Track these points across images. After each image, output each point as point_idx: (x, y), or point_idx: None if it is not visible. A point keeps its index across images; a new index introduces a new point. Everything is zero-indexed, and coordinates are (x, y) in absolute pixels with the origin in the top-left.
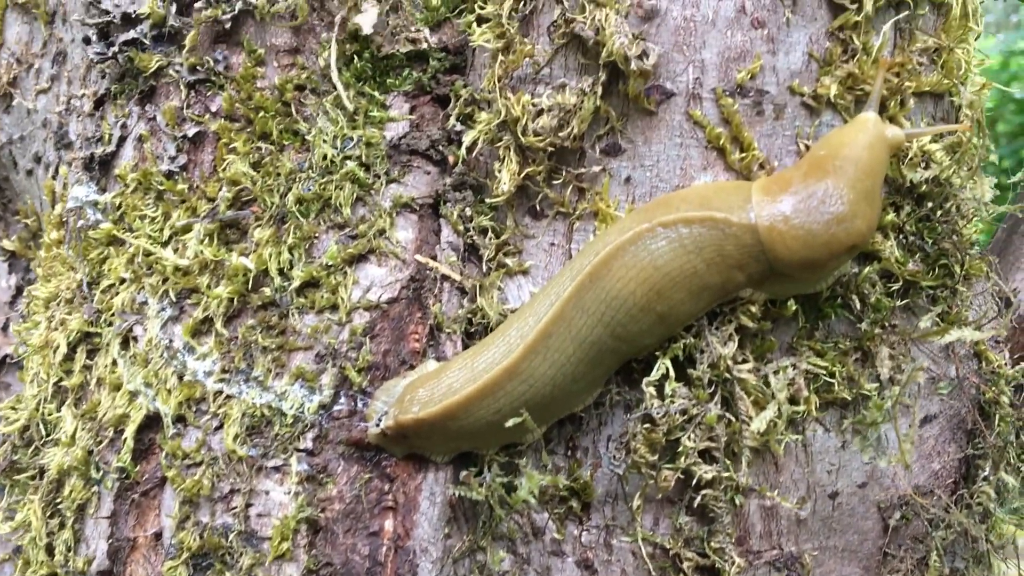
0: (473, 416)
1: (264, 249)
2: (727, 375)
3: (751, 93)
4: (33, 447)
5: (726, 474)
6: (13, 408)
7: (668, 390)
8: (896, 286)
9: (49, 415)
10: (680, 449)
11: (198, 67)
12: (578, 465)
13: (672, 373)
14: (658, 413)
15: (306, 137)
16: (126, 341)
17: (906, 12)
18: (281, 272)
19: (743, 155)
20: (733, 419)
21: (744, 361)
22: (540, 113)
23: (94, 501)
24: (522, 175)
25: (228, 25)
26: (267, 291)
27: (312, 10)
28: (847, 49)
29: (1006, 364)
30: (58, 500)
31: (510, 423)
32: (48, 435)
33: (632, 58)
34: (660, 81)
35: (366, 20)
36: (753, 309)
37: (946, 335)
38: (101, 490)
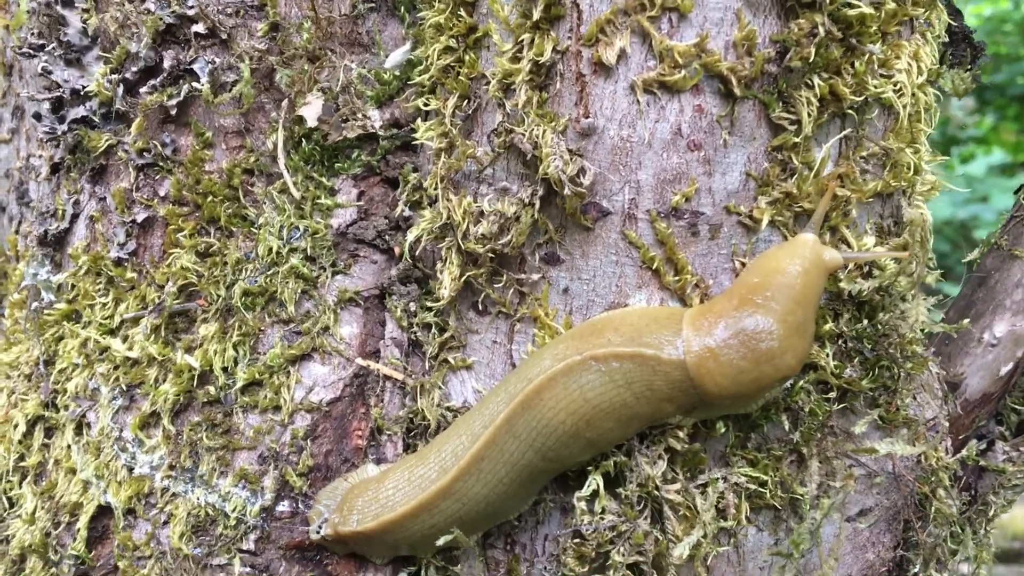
0: (409, 530)
1: (210, 345)
2: (656, 493)
3: (686, 215)
4: None
5: None
6: None
7: (598, 507)
8: (833, 393)
9: (11, 490)
10: (609, 562)
11: (146, 151)
12: (516, 561)
13: (602, 489)
14: (588, 529)
15: (254, 223)
16: (80, 427)
17: (851, 128)
18: (225, 370)
19: (677, 277)
20: (661, 536)
21: (673, 480)
22: (481, 217)
23: None
24: (463, 278)
25: (174, 111)
26: (212, 389)
27: (262, 90)
28: (786, 168)
29: (948, 452)
30: None
31: (441, 541)
32: (10, 508)
33: (566, 182)
34: (597, 199)
35: (310, 112)
36: (681, 434)
37: (879, 450)
38: (59, 573)
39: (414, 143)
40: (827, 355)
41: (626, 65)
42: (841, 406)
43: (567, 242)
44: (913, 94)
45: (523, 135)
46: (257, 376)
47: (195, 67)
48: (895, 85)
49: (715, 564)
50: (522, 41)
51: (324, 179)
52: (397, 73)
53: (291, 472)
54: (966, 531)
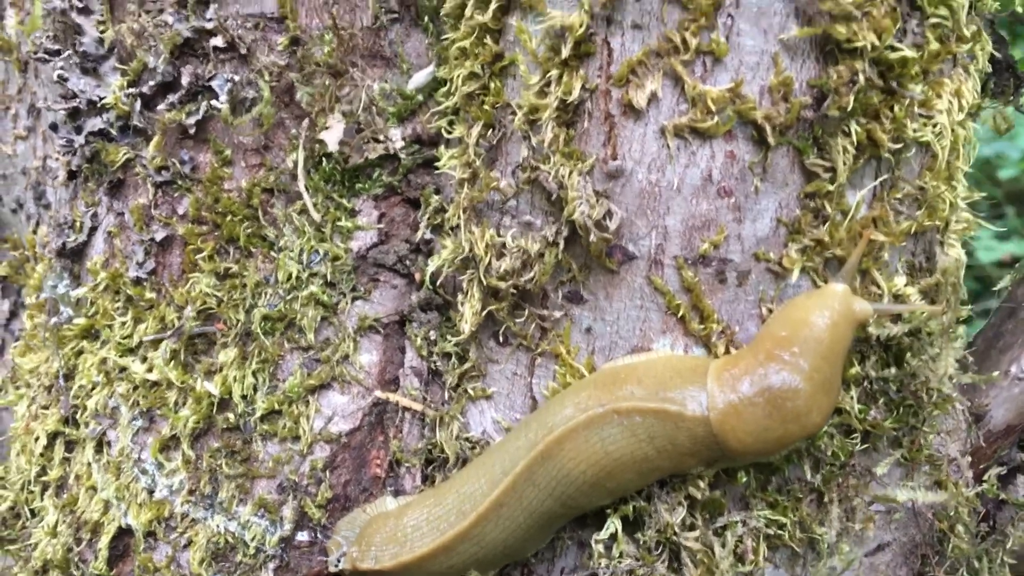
0: (426, 570)
1: (229, 371)
2: (674, 538)
3: (714, 262)
4: (21, 522)
5: None
6: (2, 486)
7: (616, 551)
8: (856, 435)
9: (32, 501)
10: None
11: (164, 169)
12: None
13: (620, 532)
14: (605, 572)
15: (274, 244)
16: (100, 445)
17: (887, 172)
18: (245, 398)
19: (703, 325)
20: None
21: (692, 527)
22: (504, 251)
23: None
24: (484, 312)
25: (193, 130)
26: (231, 416)
27: (282, 106)
28: (819, 215)
29: (968, 485)
30: None
31: None
32: (32, 518)
33: (592, 227)
34: (623, 242)
35: (332, 137)
36: (702, 484)
37: (899, 499)
38: None
39: (437, 160)
40: (852, 398)
41: (657, 108)
42: (864, 447)
43: (591, 282)
44: (952, 130)
45: (548, 173)
46: (276, 406)
47: (214, 84)
48: (935, 126)
49: None
50: (550, 76)
51: (344, 200)
52: (420, 96)
53: (310, 504)
54: (983, 563)
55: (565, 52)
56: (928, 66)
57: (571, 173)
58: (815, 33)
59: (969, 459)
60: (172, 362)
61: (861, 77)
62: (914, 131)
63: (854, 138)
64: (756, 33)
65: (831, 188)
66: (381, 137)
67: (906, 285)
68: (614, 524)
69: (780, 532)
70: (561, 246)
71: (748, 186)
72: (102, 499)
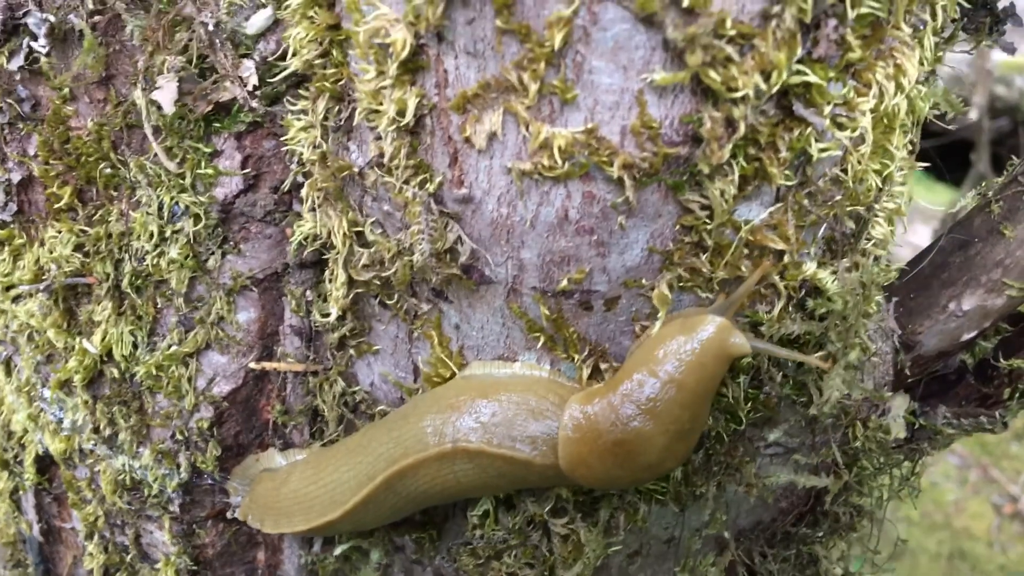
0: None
1: (107, 326)
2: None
3: (576, 294)
4: None
5: None
6: None
7: (488, 530)
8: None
9: None
10: (501, 561)
11: (1, 108)
12: (430, 516)
13: (493, 512)
14: (479, 543)
15: (135, 188)
16: (9, 368)
17: (777, 203)
18: (126, 357)
19: (566, 353)
20: (548, 555)
21: (563, 511)
22: (363, 242)
23: (22, 488)
24: (351, 294)
25: (18, 76)
26: (116, 371)
27: (117, 30)
28: (697, 245)
29: (885, 412)
30: None
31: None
32: None
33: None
34: (479, 265)
35: (165, 98)
36: (564, 492)
37: (780, 479)
38: (21, 485)
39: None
40: (739, 385)
41: (501, 144)
42: (756, 416)
43: (453, 289)
44: (885, 115)
45: (394, 185)
46: (155, 371)
47: (29, 23)
48: (854, 131)
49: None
50: (383, 83)
51: (202, 145)
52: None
53: (201, 457)
54: (892, 479)
55: (392, 71)
56: (853, 61)
57: (414, 198)
58: (681, 80)
59: (889, 388)
60: (49, 317)
61: (742, 126)
62: (821, 151)
63: (735, 178)
64: (613, 70)
65: (710, 226)
66: (228, 83)
67: (818, 268)
68: (488, 503)
69: (661, 497)
70: (415, 257)
71: (612, 224)
72: (19, 421)
